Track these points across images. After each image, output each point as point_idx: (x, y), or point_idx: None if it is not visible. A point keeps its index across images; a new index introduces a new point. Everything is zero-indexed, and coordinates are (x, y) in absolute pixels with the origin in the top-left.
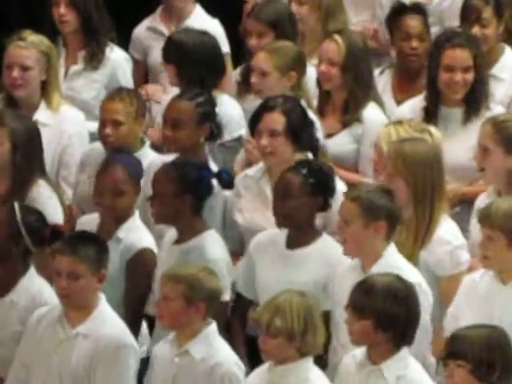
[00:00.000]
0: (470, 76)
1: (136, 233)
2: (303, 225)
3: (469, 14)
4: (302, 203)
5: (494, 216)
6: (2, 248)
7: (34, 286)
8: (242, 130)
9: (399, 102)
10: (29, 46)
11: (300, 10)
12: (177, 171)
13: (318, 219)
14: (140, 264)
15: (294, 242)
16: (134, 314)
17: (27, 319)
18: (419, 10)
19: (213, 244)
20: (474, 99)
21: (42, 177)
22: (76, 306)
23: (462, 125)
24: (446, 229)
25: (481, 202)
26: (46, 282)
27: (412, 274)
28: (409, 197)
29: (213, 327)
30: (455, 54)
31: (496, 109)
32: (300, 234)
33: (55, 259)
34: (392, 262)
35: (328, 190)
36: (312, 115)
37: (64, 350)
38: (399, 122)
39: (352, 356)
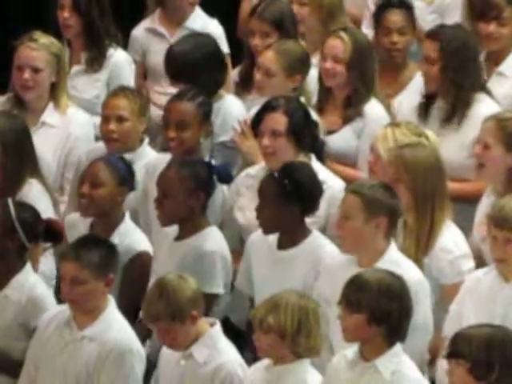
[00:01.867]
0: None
1: (131, 236)
2: (290, 227)
3: (489, 11)
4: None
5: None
6: None
7: (29, 281)
8: None
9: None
10: (40, 48)
11: (301, 11)
12: (189, 170)
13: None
14: (138, 267)
15: (284, 243)
16: (129, 316)
17: (21, 314)
18: (403, 5)
19: (210, 238)
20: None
21: (34, 176)
22: (83, 310)
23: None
24: (450, 237)
25: (482, 204)
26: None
27: (414, 272)
28: (410, 203)
29: (217, 328)
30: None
31: (486, 100)
32: (289, 234)
33: (60, 264)
34: (395, 259)
35: (305, 198)
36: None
37: (70, 352)
38: (397, 125)
39: (342, 355)
